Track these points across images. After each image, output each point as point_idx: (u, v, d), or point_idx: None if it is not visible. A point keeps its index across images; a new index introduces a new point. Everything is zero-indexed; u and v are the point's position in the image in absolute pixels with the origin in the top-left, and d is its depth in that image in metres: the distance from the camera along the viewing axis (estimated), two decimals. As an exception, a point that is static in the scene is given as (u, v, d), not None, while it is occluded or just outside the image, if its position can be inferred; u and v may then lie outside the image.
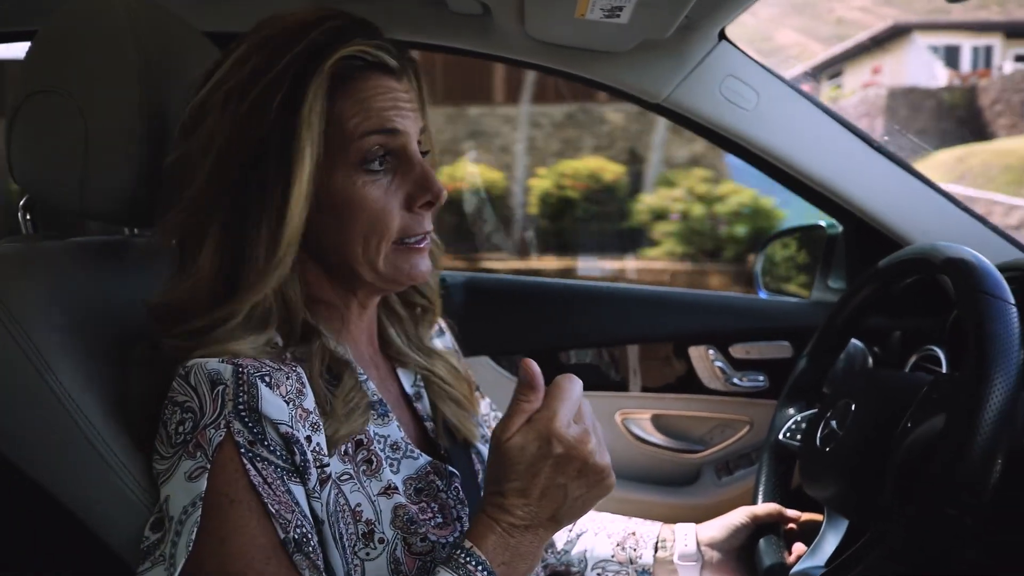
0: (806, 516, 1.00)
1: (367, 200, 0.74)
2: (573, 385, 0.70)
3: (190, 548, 0.63)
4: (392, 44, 0.78)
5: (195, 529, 0.63)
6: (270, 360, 0.70)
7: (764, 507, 1.01)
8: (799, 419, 1.08)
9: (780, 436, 1.08)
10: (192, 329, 0.70)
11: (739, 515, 1.00)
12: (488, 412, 1.01)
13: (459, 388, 0.90)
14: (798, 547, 0.96)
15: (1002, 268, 0.89)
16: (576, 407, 0.70)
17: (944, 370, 1.12)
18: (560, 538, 1.02)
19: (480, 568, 0.67)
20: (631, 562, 0.98)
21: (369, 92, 0.74)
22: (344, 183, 0.73)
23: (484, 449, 0.90)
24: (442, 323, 1.00)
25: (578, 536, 1.02)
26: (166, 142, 0.81)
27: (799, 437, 1.05)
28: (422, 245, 0.78)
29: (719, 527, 0.99)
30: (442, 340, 0.98)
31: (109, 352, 0.76)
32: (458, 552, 0.68)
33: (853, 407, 0.91)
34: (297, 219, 0.71)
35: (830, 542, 0.91)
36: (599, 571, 0.99)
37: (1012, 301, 0.74)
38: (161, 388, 0.70)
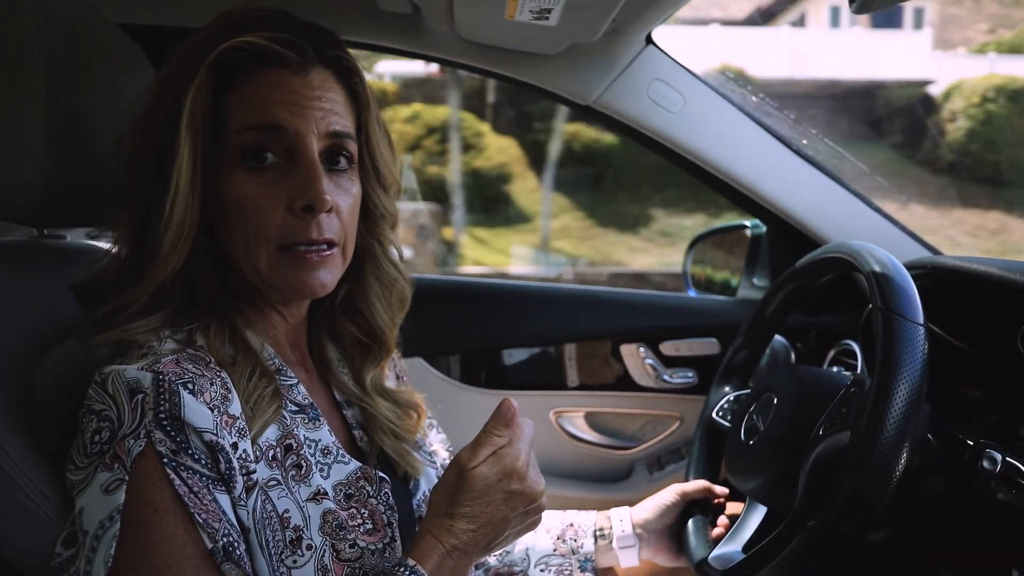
0: (731, 509, 1.03)
1: (244, 197, 0.71)
2: (530, 427, 0.76)
3: (109, 563, 0.61)
4: (310, 39, 0.73)
5: (114, 543, 0.61)
6: (193, 366, 0.68)
7: (693, 484, 1.05)
8: (731, 398, 1.12)
9: (713, 414, 1.12)
10: (107, 310, 0.71)
11: (669, 494, 1.04)
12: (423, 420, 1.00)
13: (402, 423, 0.87)
14: (723, 520, 1.01)
15: (910, 266, 0.94)
16: (531, 448, 0.75)
17: (860, 364, 1.17)
18: None
19: None
20: (573, 552, 1.01)
21: (255, 85, 0.71)
22: (226, 180, 0.72)
23: (422, 468, 0.89)
24: (399, 363, 0.98)
25: None
26: (82, 139, 0.78)
27: (729, 417, 1.09)
28: (313, 256, 0.72)
29: (651, 508, 1.03)
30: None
31: (15, 359, 0.72)
32: (401, 569, 0.68)
33: (776, 401, 0.94)
34: (179, 213, 0.70)
35: (749, 527, 0.95)
36: (542, 567, 1.00)
37: (922, 322, 0.78)
38: (75, 396, 0.68)
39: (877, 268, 0.84)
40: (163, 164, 0.70)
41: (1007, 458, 0.80)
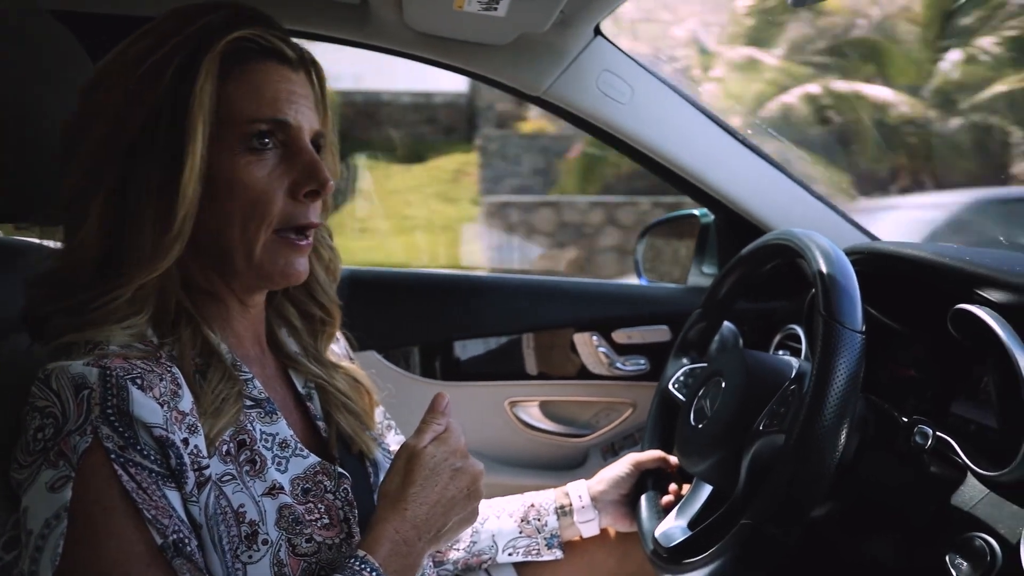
0: (684, 480, 1.06)
1: (249, 180, 0.72)
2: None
3: (56, 563, 0.59)
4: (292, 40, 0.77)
5: (61, 542, 0.60)
6: (142, 361, 0.67)
7: (648, 454, 1.09)
8: (687, 370, 1.15)
9: (669, 385, 1.15)
10: (73, 305, 0.68)
11: (624, 465, 1.08)
12: (382, 420, 1.00)
13: (358, 402, 0.89)
14: (673, 488, 1.05)
15: (849, 251, 0.97)
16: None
17: (804, 348, 1.21)
18: (465, 534, 1.04)
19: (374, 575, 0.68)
20: (538, 531, 1.04)
21: (262, 78, 0.73)
22: (227, 163, 0.72)
23: (379, 456, 0.89)
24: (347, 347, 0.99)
25: (482, 524, 1.05)
26: (10, 131, 0.75)
27: (685, 391, 1.12)
28: (303, 243, 0.77)
29: (607, 480, 1.07)
30: (337, 346, 0.96)
31: None
32: (351, 560, 0.69)
33: (723, 385, 0.96)
34: (191, 196, 0.70)
35: (697, 502, 0.98)
36: (510, 550, 1.03)
37: (860, 328, 0.80)
38: (10, 398, 0.66)
39: (823, 267, 0.85)
40: (153, 145, 0.69)
41: (938, 433, 0.84)
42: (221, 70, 0.71)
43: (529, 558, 1.03)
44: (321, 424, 0.85)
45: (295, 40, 0.78)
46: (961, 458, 0.82)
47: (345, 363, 0.93)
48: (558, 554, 1.03)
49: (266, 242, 0.74)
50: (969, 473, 0.82)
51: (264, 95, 0.73)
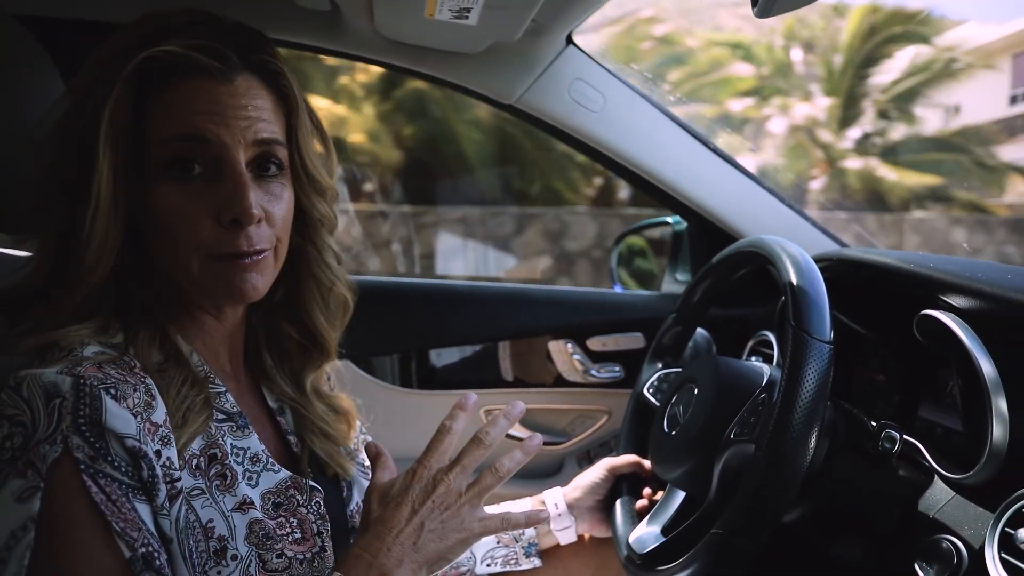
0: (659, 485, 1.07)
1: (169, 208, 0.69)
2: (444, 434, 0.76)
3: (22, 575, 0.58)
4: (235, 43, 0.72)
5: (27, 554, 0.59)
6: (116, 371, 0.66)
7: (623, 459, 1.09)
8: (662, 375, 1.16)
9: (643, 390, 1.15)
10: (34, 319, 0.69)
11: (599, 471, 1.08)
12: (357, 435, 0.99)
13: (334, 425, 0.87)
14: (647, 492, 1.06)
15: (818, 259, 0.98)
16: (450, 447, 0.76)
17: (776, 355, 1.22)
18: None
19: None
20: (516, 540, 1.03)
21: (179, 96, 0.69)
22: (151, 191, 0.70)
23: (355, 472, 0.88)
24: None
25: None
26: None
27: (659, 396, 1.12)
28: (244, 261, 0.71)
29: (582, 487, 1.07)
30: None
31: None
32: None
33: (696, 392, 0.97)
34: (101, 227, 0.68)
35: (670, 508, 0.99)
36: (488, 561, 1.02)
37: (828, 339, 0.81)
38: None
39: (793, 277, 0.86)
40: (84, 175, 0.68)
41: (905, 437, 0.85)
42: (138, 91, 0.68)
43: (508, 568, 1.03)
44: (292, 439, 0.84)
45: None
46: (928, 461, 0.83)
47: (332, 396, 0.91)
48: (536, 562, 1.03)
49: (201, 267, 0.71)
50: (936, 476, 0.84)
51: (176, 112, 0.69)
